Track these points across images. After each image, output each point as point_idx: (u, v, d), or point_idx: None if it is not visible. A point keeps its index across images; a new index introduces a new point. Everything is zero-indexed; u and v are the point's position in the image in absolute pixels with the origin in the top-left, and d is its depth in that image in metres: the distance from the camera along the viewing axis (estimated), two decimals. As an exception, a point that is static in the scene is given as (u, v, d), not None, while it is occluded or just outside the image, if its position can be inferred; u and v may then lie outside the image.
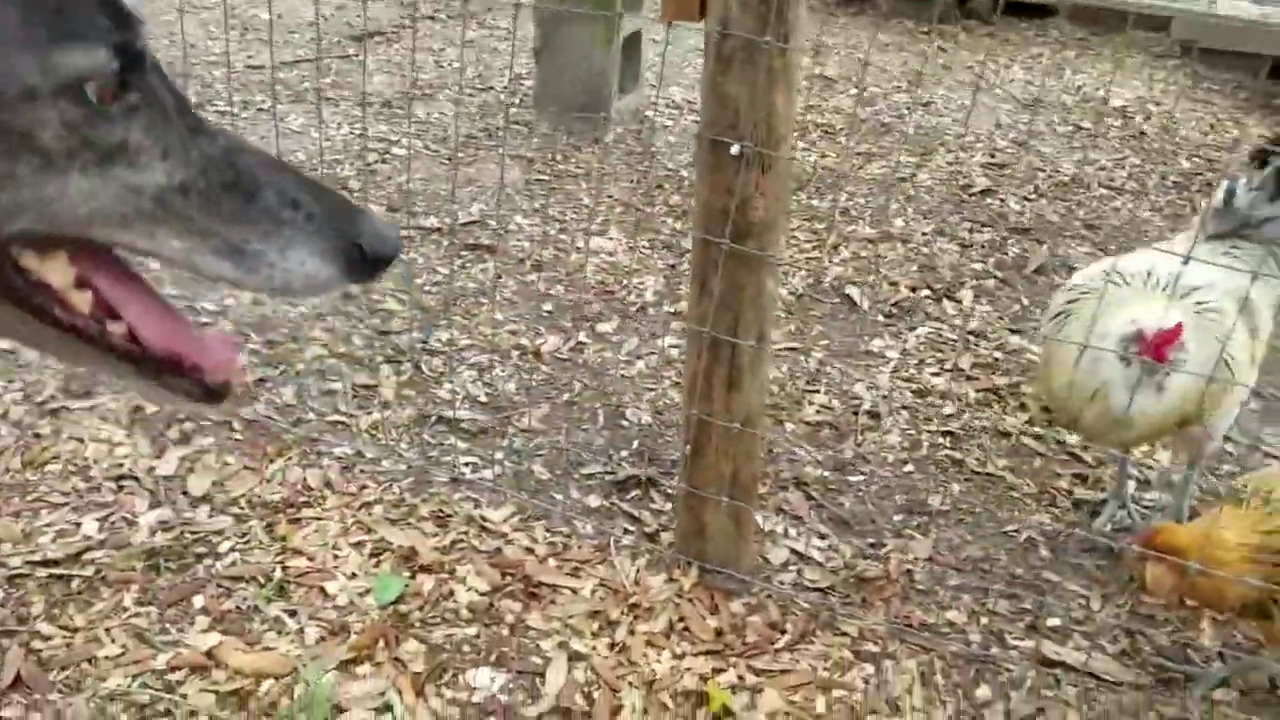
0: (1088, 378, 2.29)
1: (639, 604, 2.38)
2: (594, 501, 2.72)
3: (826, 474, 2.88)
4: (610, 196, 4.45)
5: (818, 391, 3.25)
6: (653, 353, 3.37)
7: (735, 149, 1.90)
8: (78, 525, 2.46)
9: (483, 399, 3.08)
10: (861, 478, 2.88)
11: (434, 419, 2.97)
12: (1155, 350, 2.16)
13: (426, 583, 2.39)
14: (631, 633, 2.30)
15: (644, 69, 5.50)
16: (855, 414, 3.14)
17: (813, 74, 6.18)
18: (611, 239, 4.09)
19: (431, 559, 2.45)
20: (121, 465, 2.65)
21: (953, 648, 2.33)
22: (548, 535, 2.58)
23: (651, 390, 3.18)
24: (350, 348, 3.27)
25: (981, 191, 4.74)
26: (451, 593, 2.38)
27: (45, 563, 2.34)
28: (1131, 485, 2.85)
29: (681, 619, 2.34)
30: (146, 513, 2.51)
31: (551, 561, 2.50)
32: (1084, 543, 2.66)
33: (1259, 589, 2.00)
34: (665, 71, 6.00)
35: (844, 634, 2.35)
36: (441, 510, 2.62)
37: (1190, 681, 2.28)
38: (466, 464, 2.81)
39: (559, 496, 2.72)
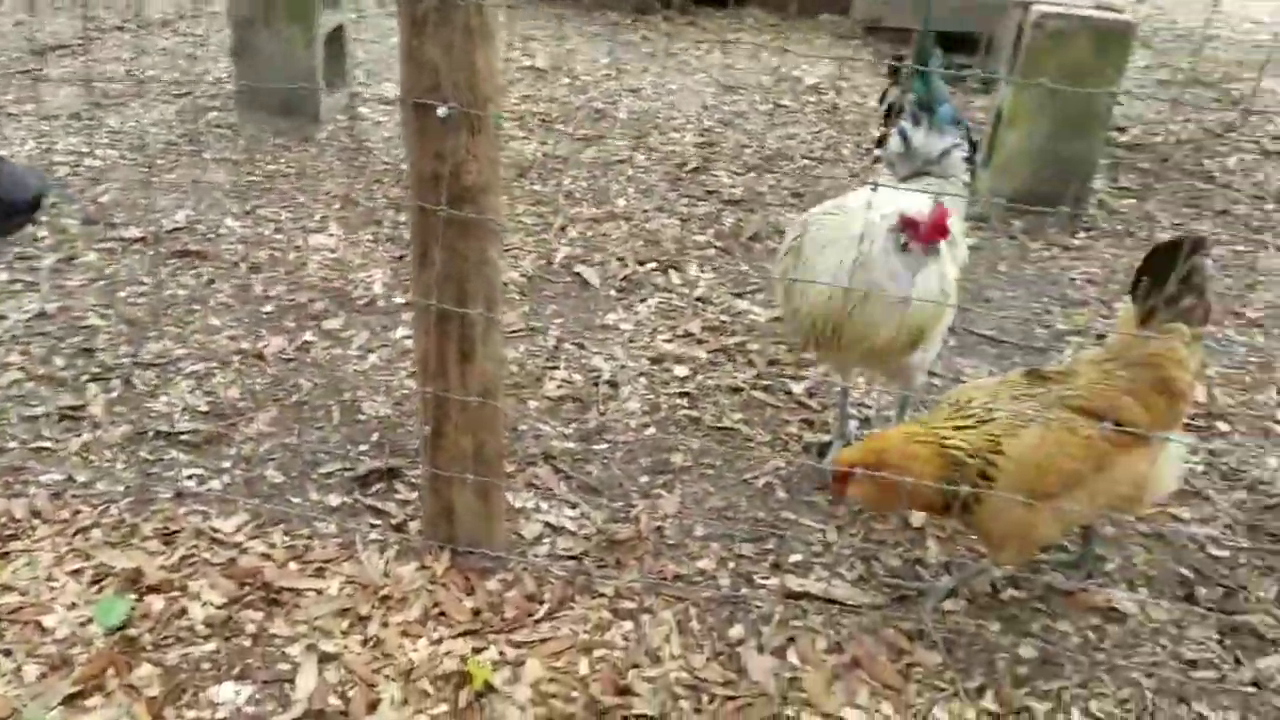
0: (848, 286, 2.36)
1: (390, 596, 2.31)
2: (335, 500, 2.62)
3: (573, 445, 2.90)
4: (327, 193, 4.31)
5: (557, 367, 3.26)
6: (385, 345, 3.29)
7: (442, 111, 1.87)
8: None
9: (203, 408, 2.90)
10: (607, 445, 2.91)
11: (151, 434, 2.77)
12: (936, 226, 2.29)
13: (156, 603, 2.23)
14: (385, 625, 2.24)
15: (351, 66, 5.35)
16: (596, 385, 3.17)
17: (524, 66, 6.21)
18: (332, 235, 3.95)
19: (159, 578, 2.29)
20: None
21: (705, 594, 2.40)
22: (287, 540, 2.46)
23: (388, 382, 3.10)
24: (51, 369, 3.01)
25: (695, 169, 4.90)
26: (184, 610, 2.22)
27: None
28: (853, 425, 3.03)
29: (436, 604, 2.29)
30: None
31: (292, 565, 2.38)
32: (816, 481, 2.80)
33: (955, 487, 2.17)
34: (375, 67, 5.88)
35: (601, 595, 2.37)
36: (167, 527, 2.45)
37: (922, 595, 2.45)
38: (191, 477, 2.64)
39: (296, 499, 2.60)
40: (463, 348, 2.22)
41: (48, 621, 2.16)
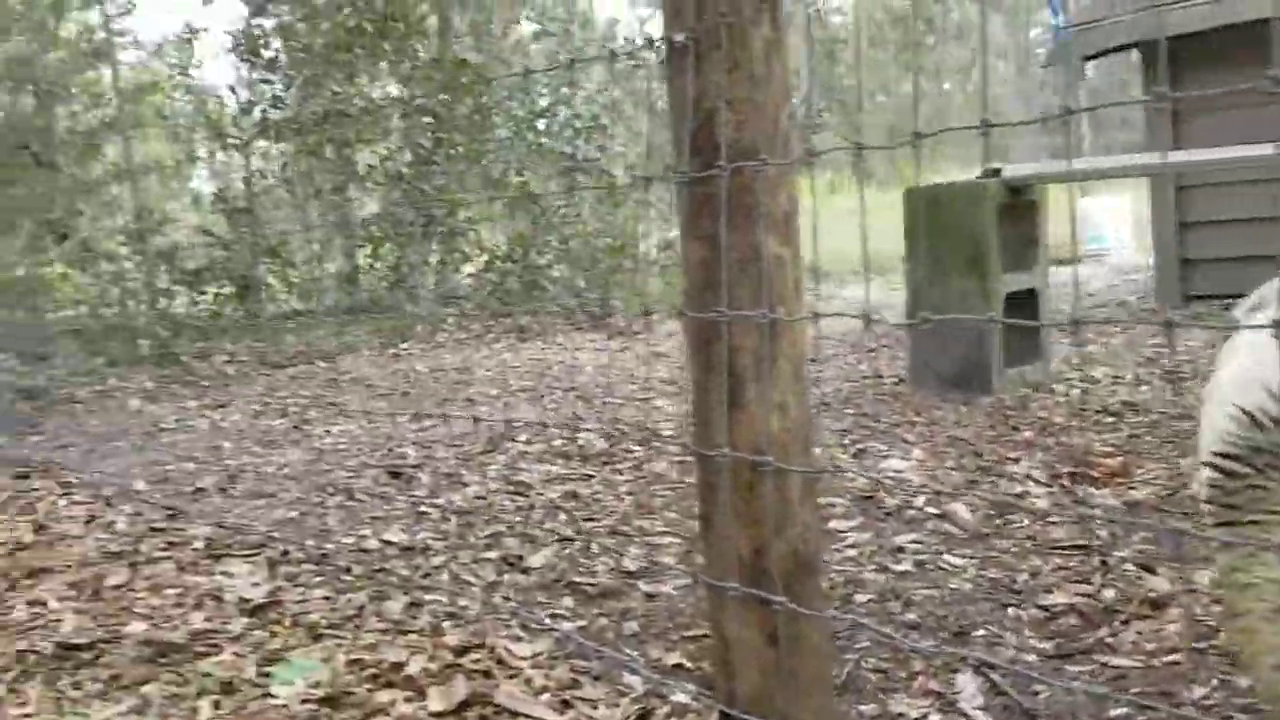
0: None
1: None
2: (675, 657, 1.97)
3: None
4: (929, 441, 3.64)
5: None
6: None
7: None
8: None
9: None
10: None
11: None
12: None
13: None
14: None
15: (1047, 336, 4.69)
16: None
17: None
18: (908, 460, 3.32)
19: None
20: None
21: None
22: (571, 679, 1.88)
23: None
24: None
25: None
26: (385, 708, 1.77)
27: None
28: None
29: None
30: None
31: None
32: None
33: None
34: (1101, 354, 5.08)
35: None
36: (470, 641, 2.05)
37: None
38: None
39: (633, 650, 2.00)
40: (731, 382, 1.55)
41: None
